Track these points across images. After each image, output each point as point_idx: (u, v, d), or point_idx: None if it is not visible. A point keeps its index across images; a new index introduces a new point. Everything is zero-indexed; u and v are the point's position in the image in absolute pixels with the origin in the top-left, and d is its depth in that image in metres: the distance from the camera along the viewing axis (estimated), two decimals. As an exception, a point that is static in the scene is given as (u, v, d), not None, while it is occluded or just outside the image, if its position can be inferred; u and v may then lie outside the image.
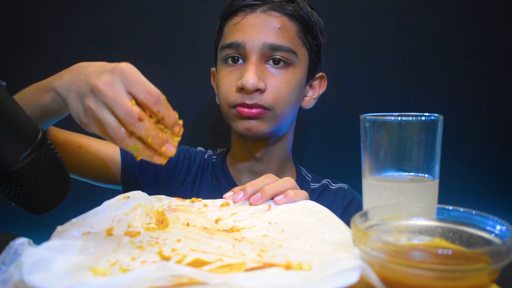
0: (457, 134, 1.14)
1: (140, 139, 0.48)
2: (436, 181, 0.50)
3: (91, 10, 1.11)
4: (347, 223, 0.48)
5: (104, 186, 0.91)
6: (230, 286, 0.34)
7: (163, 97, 0.48)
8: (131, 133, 0.48)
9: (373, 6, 1.15)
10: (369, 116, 0.51)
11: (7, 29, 1.09)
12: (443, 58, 1.16)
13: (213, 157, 0.97)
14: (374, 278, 0.35)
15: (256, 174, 0.90)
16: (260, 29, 0.81)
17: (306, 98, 0.92)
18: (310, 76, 0.90)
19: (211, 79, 0.97)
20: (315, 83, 0.93)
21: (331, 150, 1.19)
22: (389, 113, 0.50)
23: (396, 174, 0.50)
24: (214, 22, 0.91)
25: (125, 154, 0.88)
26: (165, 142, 0.49)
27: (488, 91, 1.17)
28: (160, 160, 0.50)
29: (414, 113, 0.49)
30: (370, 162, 0.51)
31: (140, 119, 0.47)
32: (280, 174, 0.87)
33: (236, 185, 0.85)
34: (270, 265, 0.39)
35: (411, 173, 0.50)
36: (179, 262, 0.40)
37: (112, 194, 0.58)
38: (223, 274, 0.37)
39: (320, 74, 0.93)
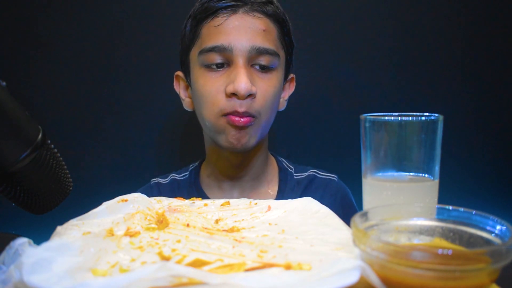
0: (457, 134, 1.14)
1: None
2: (436, 181, 0.50)
3: (91, 10, 1.11)
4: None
5: None
6: (230, 286, 0.34)
7: None
8: None
9: (373, 5, 1.15)
10: (369, 116, 0.50)
11: (7, 29, 1.10)
12: (443, 58, 1.16)
13: (182, 176, 0.94)
14: (374, 278, 0.35)
15: (236, 180, 0.89)
16: (246, 31, 0.77)
17: (281, 101, 0.88)
18: (285, 78, 0.87)
19: (175, 83, 0.90)
20: (286, 85, 0.90)
21: (331, 150, 1.19)
22: (389, 113, 0.50)
23: (396, 174, 0.50)
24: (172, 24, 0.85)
25: None
26: None
27: (488, 91, 1.17)
28: None
29: (414, 113, 0.49)
30: (370, 162, 0.51)
31: None
32: (261, 174, 0.90)
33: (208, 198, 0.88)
34: (270, 265, 0.39)
35: (411, 173, 0.50)
36: (179, 262, 0.40)
37: (112, 195, 0.58)
38: (223, 274, 0.37)
39: (291, 75, 0.91)
